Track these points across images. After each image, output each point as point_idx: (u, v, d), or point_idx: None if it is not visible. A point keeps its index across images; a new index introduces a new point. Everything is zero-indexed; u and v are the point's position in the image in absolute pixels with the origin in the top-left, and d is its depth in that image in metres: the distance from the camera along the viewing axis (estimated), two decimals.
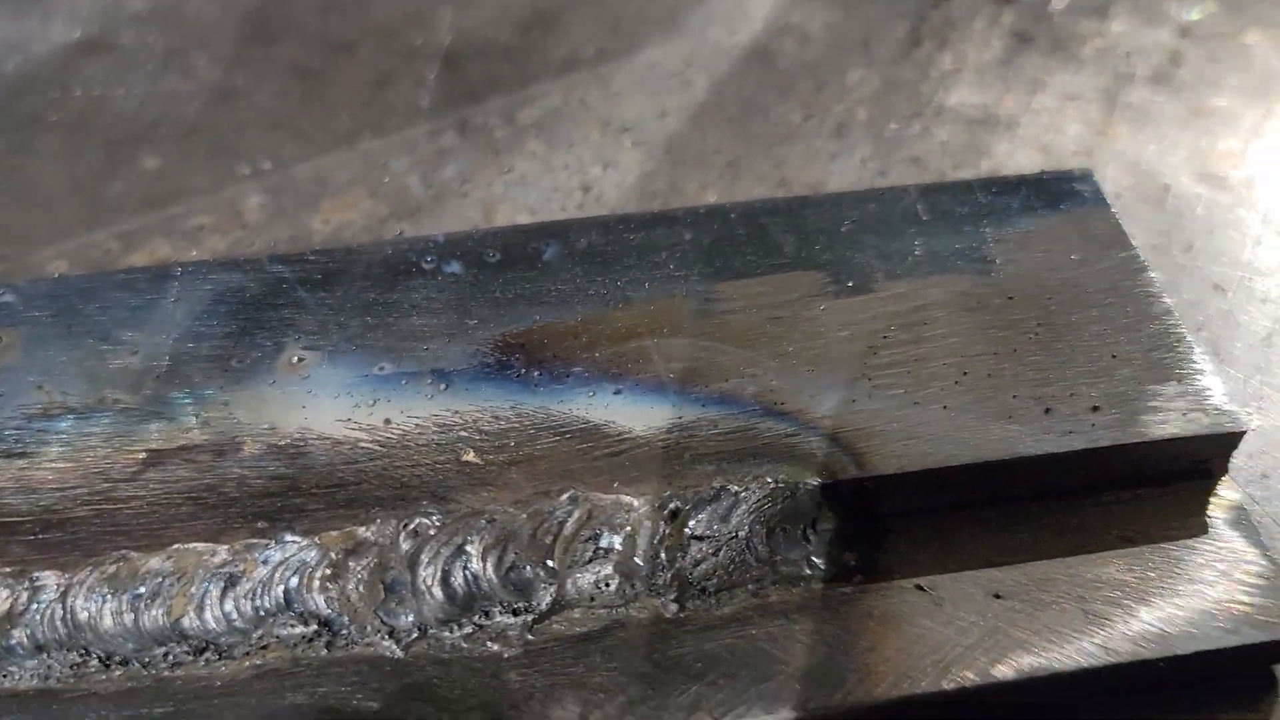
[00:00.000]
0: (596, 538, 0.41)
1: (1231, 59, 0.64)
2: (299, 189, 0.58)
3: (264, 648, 0.40)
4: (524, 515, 0.41)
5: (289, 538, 0.41)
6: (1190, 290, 0.54)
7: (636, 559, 0.41)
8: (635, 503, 0.41)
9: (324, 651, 0.40)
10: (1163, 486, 0.44)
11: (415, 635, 0.40)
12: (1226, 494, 0.44)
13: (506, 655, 0.40)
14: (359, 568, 0.41)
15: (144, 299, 0.48)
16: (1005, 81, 0.63)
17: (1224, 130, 0.61)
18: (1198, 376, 0.45)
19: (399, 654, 0.40)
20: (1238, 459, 0.48)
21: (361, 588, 0.40)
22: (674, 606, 0.41)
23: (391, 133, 0.60)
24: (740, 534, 0.41)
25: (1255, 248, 0.56)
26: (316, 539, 0.41)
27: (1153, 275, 0.48)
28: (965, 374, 0.45)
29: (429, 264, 0.49)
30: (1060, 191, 0.51)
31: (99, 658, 0.40)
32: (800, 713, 0.38)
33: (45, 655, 0.40)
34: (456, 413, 0.44)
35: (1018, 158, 0.60)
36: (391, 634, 0.40)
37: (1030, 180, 0.51)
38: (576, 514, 0.41)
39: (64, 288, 0.49)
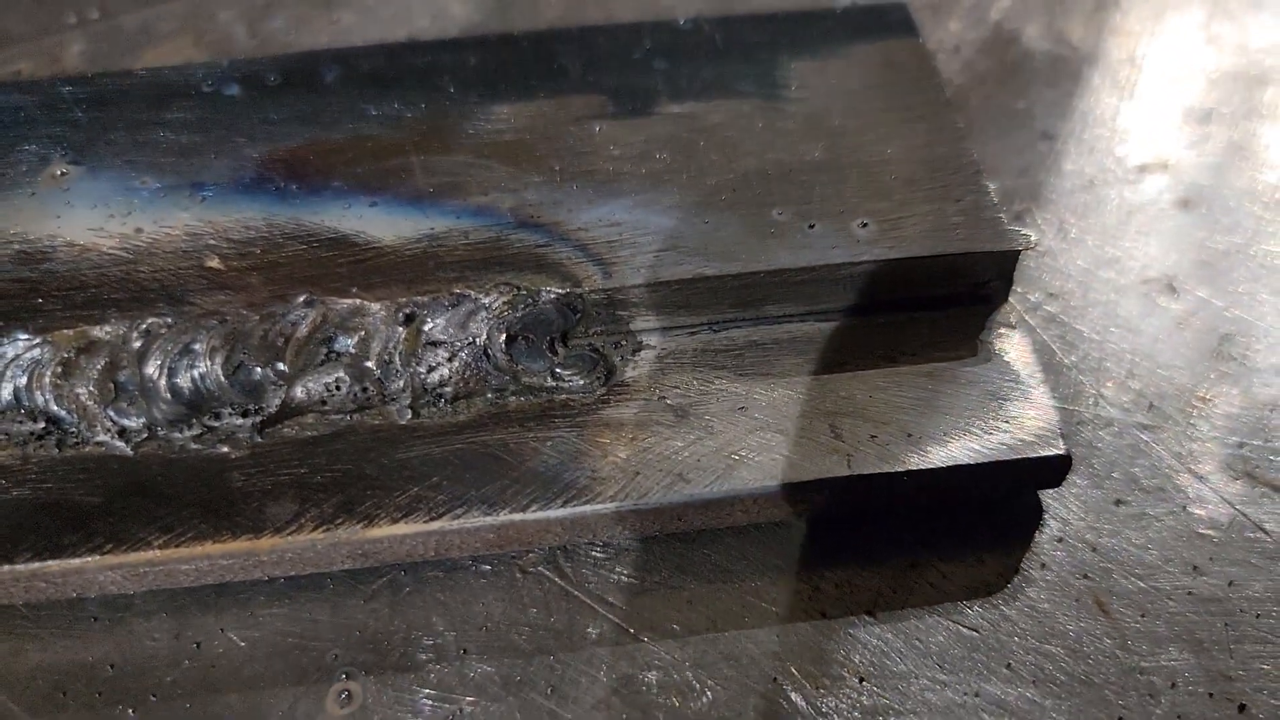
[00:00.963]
0: (330, 341, 0.40)
1: None
2: (123, 38, 0.57)
3: None
4: (256, 317, 0.40)
5: (21, 336, 0.40)
6: (1018, 138, 0.52)
7: (369, 363, 0.40)
8: (373, 307, 0.40)
9: (54, 450, 0.40)
10: (941, 310, 0.43)
11: (145, 435, 0.40)
12: (1007, 321, 0.43)
13: (234, 456, 0.39)
14: (89, 366, 0.40)
15: None
16: None
17: None
18: (978, 197, 0.43)
19: (128, 452, 0.39)
20: (1036, 295, 0.47)
21: (92, 386, 0.40)
22: (408, 413, 0.40)
23: None
24: (478, 341, 0.40)
25: (1093, 101, 0.54)
26: (49, 337, 0.40)
27: (952, 106, 0.46)
28: (734, 191, 0.43)
29: (209, 87, 0.48)
30: (869, 24, 0.49)
31: None
32: (520, 514, 0.38)
33: None
34: (209, 222, 0.43)
35: (861, 3, 0.58)
36: (121, 434, 0.40)
37: (839, 13, 0.49)
38: (311, 316, 0.40)
39: None
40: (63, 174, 0.45)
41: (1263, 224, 0.49)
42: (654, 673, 0.37)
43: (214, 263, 0.42)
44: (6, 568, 0.37)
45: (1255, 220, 0.49)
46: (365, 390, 0.40)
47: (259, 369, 0.40)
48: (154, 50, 0.56)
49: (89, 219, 0.43)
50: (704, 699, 0.37)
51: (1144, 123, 0.53)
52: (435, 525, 0.37)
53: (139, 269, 0.42)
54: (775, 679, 0.37)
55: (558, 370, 0.40)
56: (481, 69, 0.47)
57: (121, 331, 0.40)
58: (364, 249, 0.42)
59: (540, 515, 0.37)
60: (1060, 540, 0.40)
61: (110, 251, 0.42)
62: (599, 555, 0.40)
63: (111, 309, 0.41)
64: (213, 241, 0.42)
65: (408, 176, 0.44)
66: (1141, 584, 0.39)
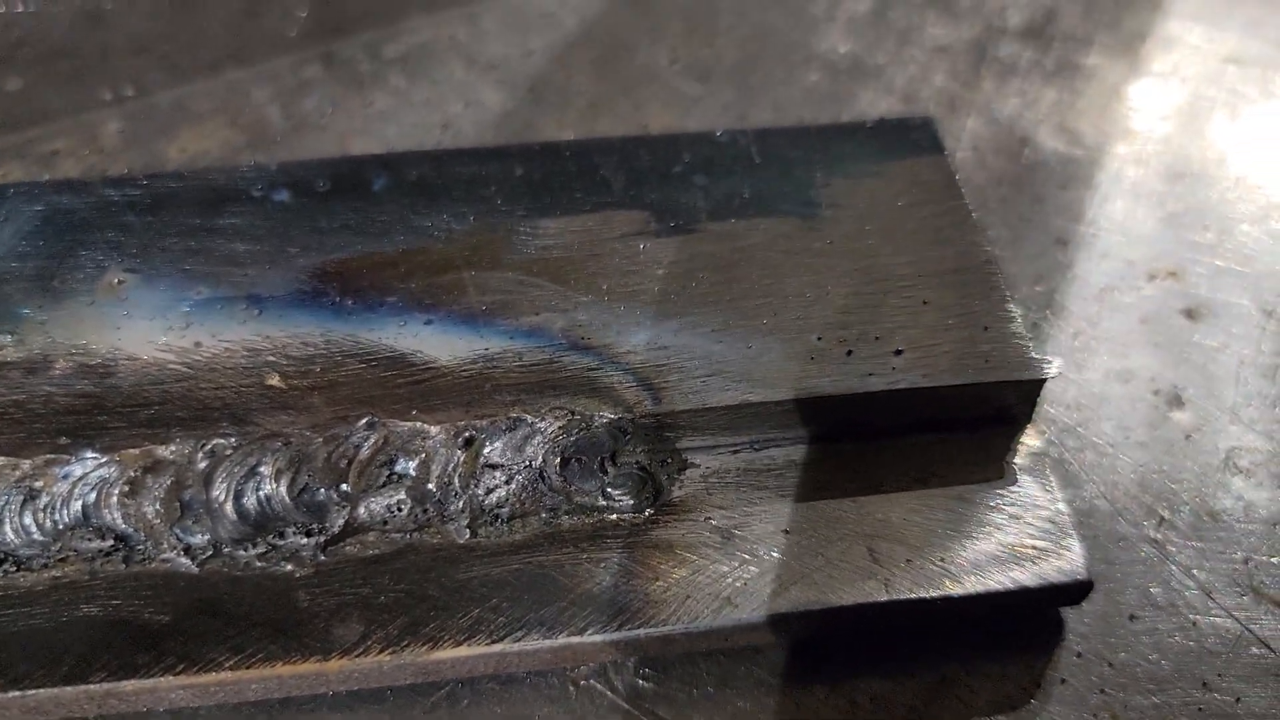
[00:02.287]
0: (392, 463, 0.42)
1: (1103, 16, 0.64)
2: (159, 116, 0.58)
3: (62, 560, 0.41)
4: (320, 439, 0.42)
5: (89, 454, 0.41)
6: (1034, 243, 0.55)
7: (430, 485, 0.41)
8: (433, 430, 0.42)
9: (121, 566, 0.41)
10: (967, 433, 0.45)
11: (210, 553, 0.41)
12: (1029, 442, 0.45)
13: (298, 575, 0.41)
14: (156, 485, 0.41)
15: None
16: (877, 31, 0.63)
17: (1087, 88, 0.61)
18: (1005, 325, 0.45)
19: (194, 569, 0.41)
20: (1055, 409, 0.49)
21: (158, 505, 0.41)
22: (466, 533, 0.42)
23: (257, 63, 0.60)
24: (534, 464, 0.42)
25: (1103, 204, 0.57)
26: (116, 456, 0.42)
27: (979, 223, 0.48)
28: (775, 315, 0.45)
29: (258, 191, 0.49)
30: (897, 138, 0.51)
31: None
32: (577, 637, 0.39)
33: None
34: (267, 337, 0.44)
35: (880, 107, 0.60)
36: (187, 551, 0.41)
37: (868, 126, 0.51)
38: (373, 439, 0.42)
39: None
40: (120, 282, 0.46)
41: (1266, 334, 0.51)
42: None
43: (274, 380, 0.43)
44: (82, 687, 0.38)
45: (1259, 331, 0.51)
46: (425, 510, 0.42)
47: (323, 490, 0.41)
48: (189, 130, 0.57)
49: (148, 331, 0.45)
50: None
51: (1152, 228, 0.56)
52: (496, 648, 0.39)
53: (200, 386, 0.43)
54: None
55: (608, 490, 0.42)
56: (527, 179, 0.49)
57: (186, 451, 0.42)
58: (422, 369, 0.43)
59: (597, 639, 0.39)
60: (1079, 656, 0.43)
61: (171, 367, 0.44)
62: (648, 669, 0.42)
63: (176, 427, 0.42)
64: (272, 358, 0.44)
65: (460, 293, 0.45)
66: (1155, 699, 0.42)
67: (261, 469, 0.41)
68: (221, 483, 0.41)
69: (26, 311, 0.45)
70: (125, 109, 0.58)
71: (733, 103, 0.59)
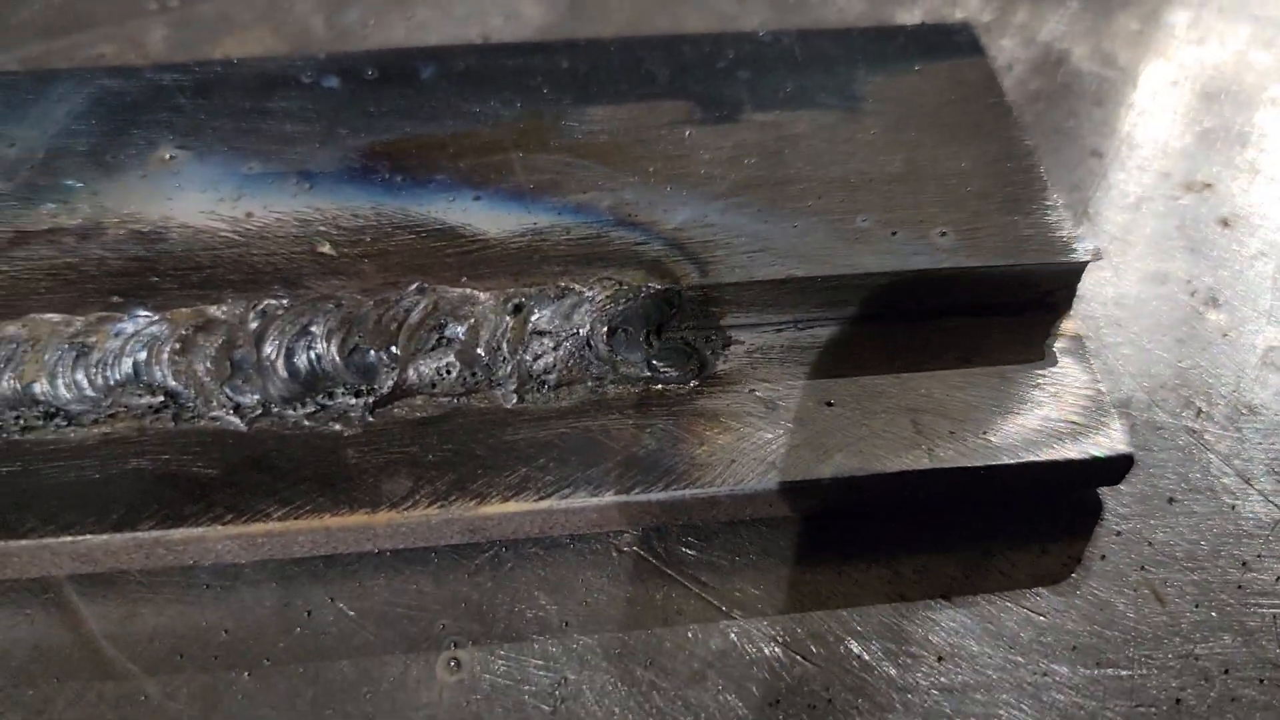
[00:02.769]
0: (441, 327, 0.42)
1: None
2: (203, 24, 0.59)
3: (112, 416, 0.42)
4: (370, 302, 0.42)
5: (141, 313, 0.42)
6: (1070, 154, 0.55)
7: (479, 349, 0.42)
8: (482, 296, 0.42)
9: (170, 423, 0.42)
10: (1008, 316, 0.45)
11: (259, 411, 0.41)
12: (1068, 327, 0.45)
13: (346, 434, 0.41)
14: (207, 343, 0.42)
15: (27, 97, 0.49)
16: None
17: (1123, 13, 0.62)
18: (1047, 213, 0.45)
19: (243, 428, 0.41)
20: (1092, 305, 0.50)
21: (209, 363, 0.41)
22: (514, 397, 0.42)
23: None
24: (581, 332, 0.42)
25: (1138, 121, 0.57)
26: (167, 315, 0.42)
27: (1019, 119, 0.49)
28: (820, 198, 0.45)
29: (308, 78, 0.49)
30: (938, 42, 0.52)
31: None
32: (624, 495, 0.40)
33: None
34: (318, 209, 0.45)
35: (929, 23, 0.61)
36: (237, 409, 0.41)
37: (909, 30, 0.52)
38: (423, 304, 0.42)
39: None
40: (171, 158, 0.46)
41: None
42: (747, 647, 0.40)
43: (326, 248, 0.44)
44: (131, 535, 0.39)
45: None
46: (474, 375, 0.42)
47: (373, 352, 0.42)
48: (233, 39, 0.58)
49: (200, 202, 0.45)
50: (794, 672, 0.39)
51: (1187, 143, 0.56)
52: (544, 504, 0.39)
53: (252, 252, 0.44)
54: (860, 656, 0.39)
55: (654, 362, 0.43)
56: (573, 72, 0.50)
57: (238, 311, 0.42)
58: (471, 240, 0.44)
59: (643, 498, 0.40)
60: (1119, 534, 0.43)
61: (223, 235, 0.44)
62: (690, 537, 0.42)
63: (227, 289, 0.43)
64: (323, 228, 0.44)
65: (509, 173, 0.46)
66: (1194, 576, 0.42)
67: (313, 329, 0.42)
68: (273, 342, 0.41)
69: (79, 184, 0.46)
70: (170, 17, 0.59)
71: (769, 20, 0.60)
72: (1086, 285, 0.50)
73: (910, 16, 0.61)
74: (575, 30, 0.59)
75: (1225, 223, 0.53)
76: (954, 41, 0.52)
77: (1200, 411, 0.46)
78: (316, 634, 0.40)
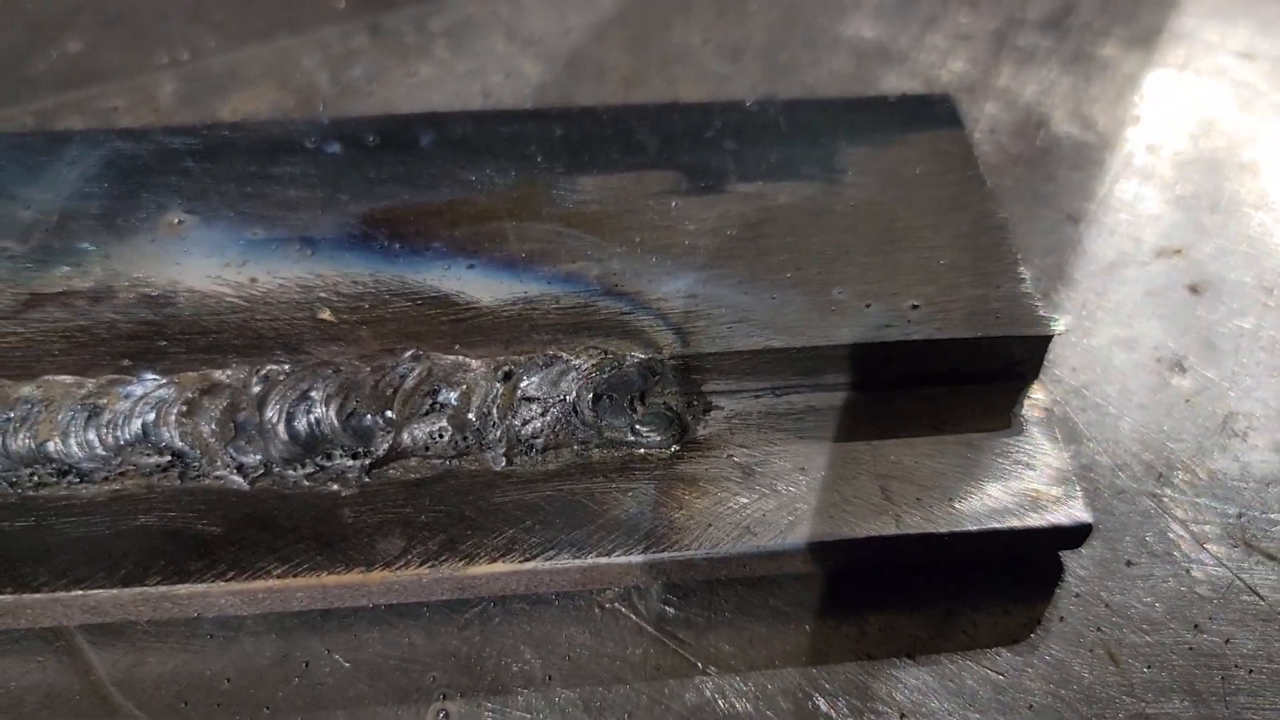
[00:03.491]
0: (435, 393, 0.44)
1: (1121, 10, 0.66)
2: (212, 79, 0.61)
3: (122, 474, 0.44)
4: (368, 369, 0.44)
5: (149, 376, 0.44)
6: (1046, 219, 0.57)
7: (470, 414, 0.44)
8: (474, 364, 0.45)
9: (176, 481, 0.44)
10: (978, 385, 0.47)
11: (261, 471, 0.44)
12: (1037, 396, 0.48)
13: (344, 494, 0.43)
14: (212, 406, 0.44)
15: (41, 160, 0.51)
16: (902, 17, 0.66)
17: (1102, 78, 0.64)
18: (1016, 285, 0.48)
19: (245, 486, 0.44)
20: (1061, 371, 0.52)
21: (214, 425, 0.44)
22: (503, 460, 0.44)
23: (306, 31, 0.63)
24: (568, 398, 0.44)
25: (1113, 186, 0.59)
26: (175, 378, 0.44)
27: (993, 192, 0.51)
28: (798, 269, 0.48)
29: (311, 143, 0.52)
30: (919, 112, 0.54)
31: None
32: (605, 558, 0.42)
33: None
34: (319, 276, 0.47)
35: (902, 90, 0.63)
36: (240, 469, 0.44)
37: (890, 101, 0.54)
38: (418, 370, 0.44)
39: None
40: (180, 222, 0.49)
41: (1268, 310, 0.54)
42: (720, 702, 0.42)
43: (326, 315, 0.46)
44: (139, 589, 0.41)
45: (1261, 306, 0.54)
46: (465, 439, 0.44)
47: (369, 416, 0.44)
48: (240, 95, 0.60)
49: (206, 267, 0.47)
50: None
51: (1160, 209, 0.58)
52: (529, 565, 0.42)
53: (255, 317, 0.46)
54: (827, 713, 0.42)
55: (637, 426, 0.45)
56: (566, 140, 0.52)
57: (241, 376, 0.44)
58: (464, 309, 0.46)
59: (623, 560, 0.42)
60: (1077, 596, 0.45)
61: (228, 300, 0.46)
62: (670, 595, 0.44)
63: (232, 354, 0.45)
64: (323, 294, 0.46)
65: (502, 241, 0.48)
66: (1148, 638, 0.44)
67: (312, 394, 0.44)
68: (274, 405, 0.44)
69: (92, 247, 0.48)
70: (180, 71, 0.61)
71: (761, 82, 0.62)
72: (1057, 351, 0.52)
73: (897, 78, 0.63)
74: (572, 89, 0.61)
75: (1194, 289, 0.55)
76: (934, 113, 0.54)
77: (1161, 476, 0.48)
78: (313, 684, 0.42)
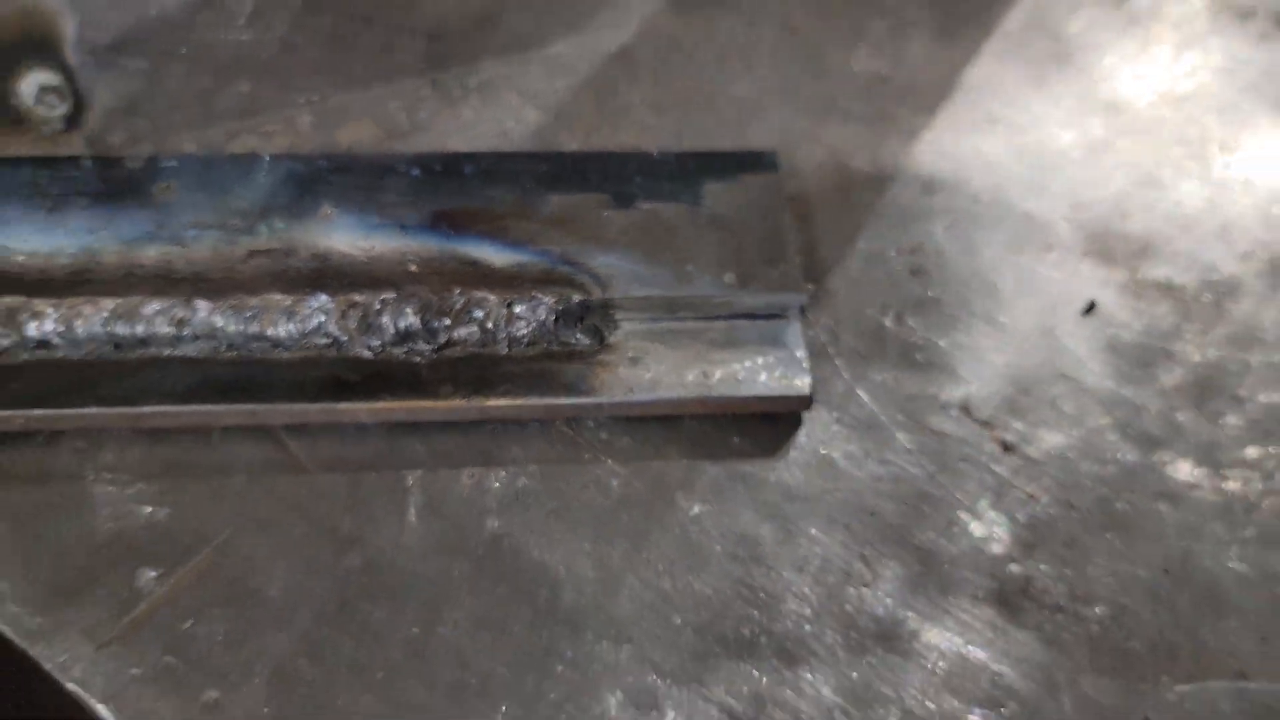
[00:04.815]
0: (470, 312, 0.84)
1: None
2: (331, 114, 0.98)
3: (304, 348, 0.83)
4: (435, 297, 0.84)
5: (321, 295, 0.83)
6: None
7: (489, 324, 0.84)
8: (491, 298, 0.84)
9: (334, 352, 0.83)
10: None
11: (380, 350, 0.83)
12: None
13: (422, 363, 0.83)
14: (353, 313, 0.83)
15: (247, 172, 0.89)
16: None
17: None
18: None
19: (371, 357, 0.83)
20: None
21: (354, 323, 0.83)
22: (505, 349, 0.84)
23: (392, 83, 1.01)
24: (542, 318, 0.84)
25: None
26: (333, 299, 0.83)
27: (791, 249, 0.90)
28: (668, 251, 0.87)
29: (401, 169, 0.90)
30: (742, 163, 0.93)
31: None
32: (557, 399, 0.82)
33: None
34: (409, 247, 0.86)
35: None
36: (368, 348, 0.83)
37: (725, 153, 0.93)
38: (462, 300, 0.84)
39: (197, 163, 0.90)
40: (330, 213, 0.88)
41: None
42: (613, 482, 0.82)
43: (413, 268, 0.85)
44: (319, 404, 0.81)
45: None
46: (485, 336, 0.84)
47: (436, 322, 0.83)
48: (350, 125, 0.98)
49: (347, 239, 0.86)
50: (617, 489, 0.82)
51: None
52: (519, 402, 0.81)
53: (374, 268, 0.85)
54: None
55: (578, 335, 0.85)
56: (545, 173, 0.91)
57: (368, 299, 0.84)
58: (486, 268, 0.85)
59: (567, 401, 0.82)
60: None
61: (360, 259, 0.85)
62: (590, 424, 0.85)
63: (363, 287, 0.84)
64: (410, 256, 0.86)
65: (506, 231, 0.87)
66: None
67: (406, 309, 0.83)
68: (387, 315, 0.83)
69: (282, 225, 0.87)
70: (312, 108, 0.99)
71: (675, 128, 1.01)
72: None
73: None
74: (557, 131, 0.99)
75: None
76: (759, 163, 0.93)
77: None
78: (406, 458, 0.82)
